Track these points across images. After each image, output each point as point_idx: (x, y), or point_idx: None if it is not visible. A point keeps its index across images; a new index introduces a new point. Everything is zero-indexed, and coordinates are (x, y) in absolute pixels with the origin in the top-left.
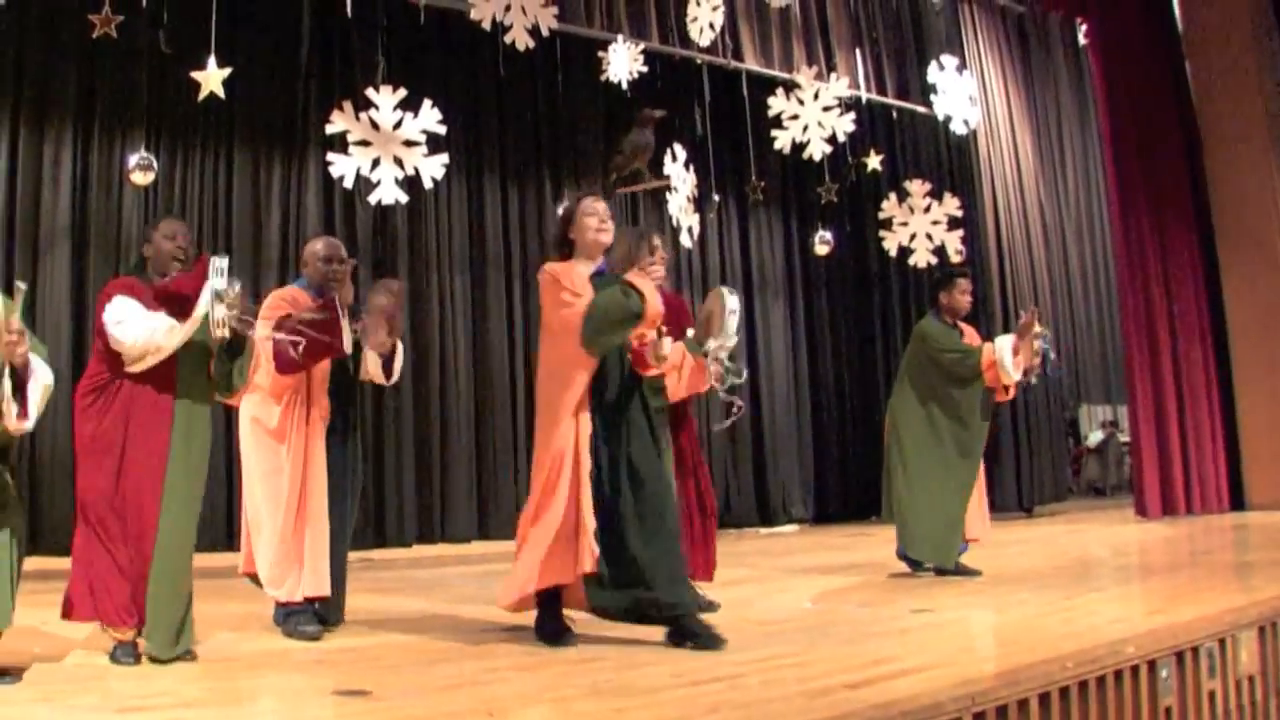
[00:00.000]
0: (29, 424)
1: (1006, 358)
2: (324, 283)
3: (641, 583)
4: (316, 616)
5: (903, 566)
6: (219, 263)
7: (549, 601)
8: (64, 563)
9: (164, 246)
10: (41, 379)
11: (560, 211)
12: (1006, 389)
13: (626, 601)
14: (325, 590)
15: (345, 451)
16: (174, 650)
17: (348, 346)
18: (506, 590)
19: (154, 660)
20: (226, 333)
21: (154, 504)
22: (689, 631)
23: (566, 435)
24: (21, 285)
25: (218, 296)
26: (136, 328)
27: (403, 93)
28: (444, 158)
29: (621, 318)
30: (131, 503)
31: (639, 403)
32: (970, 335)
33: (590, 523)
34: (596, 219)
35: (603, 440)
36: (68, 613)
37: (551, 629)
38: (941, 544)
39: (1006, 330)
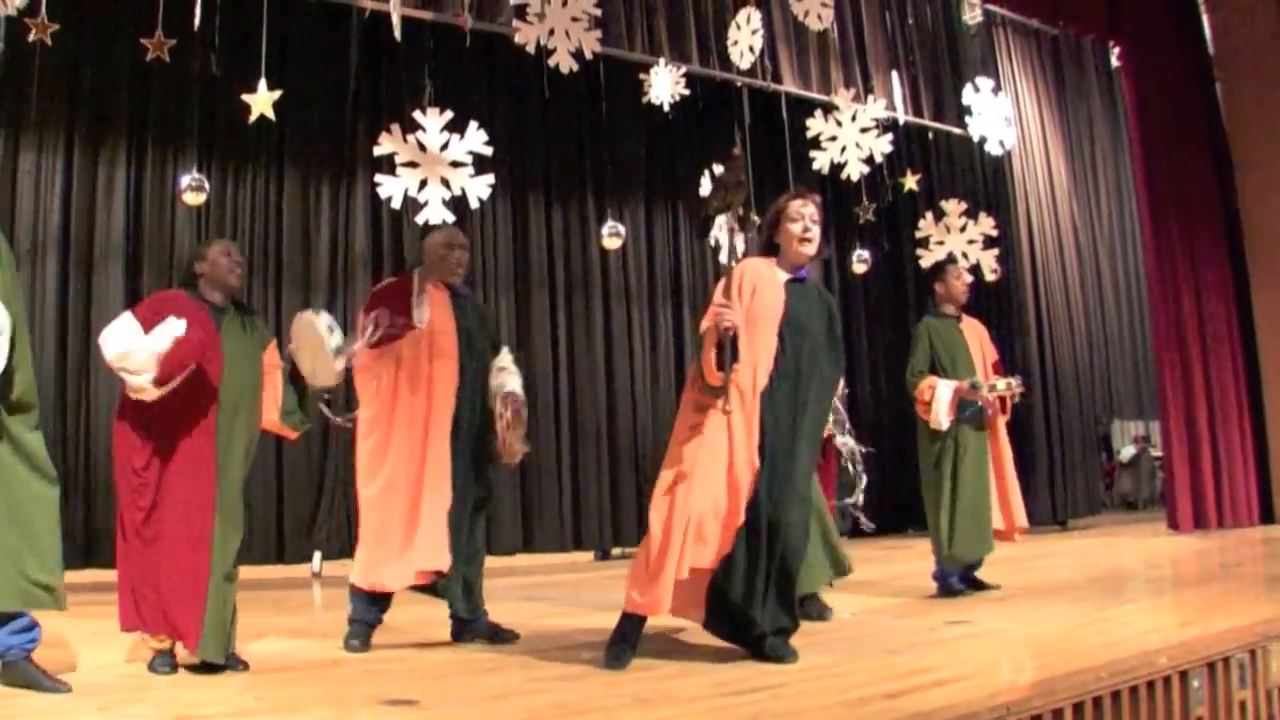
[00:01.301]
0: None
1: (943, 407)
2: (446, 270)
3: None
4: (369, 629)
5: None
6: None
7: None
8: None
9: (221, 262)
10: None
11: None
12: (1005, 408)
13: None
14: (437, 564)
15: (466, 456)
16: (225, 654)
17: (417, 321)
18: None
19: (208, 666)
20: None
21: (206, 515)
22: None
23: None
24: None
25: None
26: (116, 344)
27: (449, 115)
28: (490, 178)
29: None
30: (178, 515)
31: None
32: (973, 328)
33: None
34: (802, 225)
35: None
36: (121, 624)
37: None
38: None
39: (1041, 346)
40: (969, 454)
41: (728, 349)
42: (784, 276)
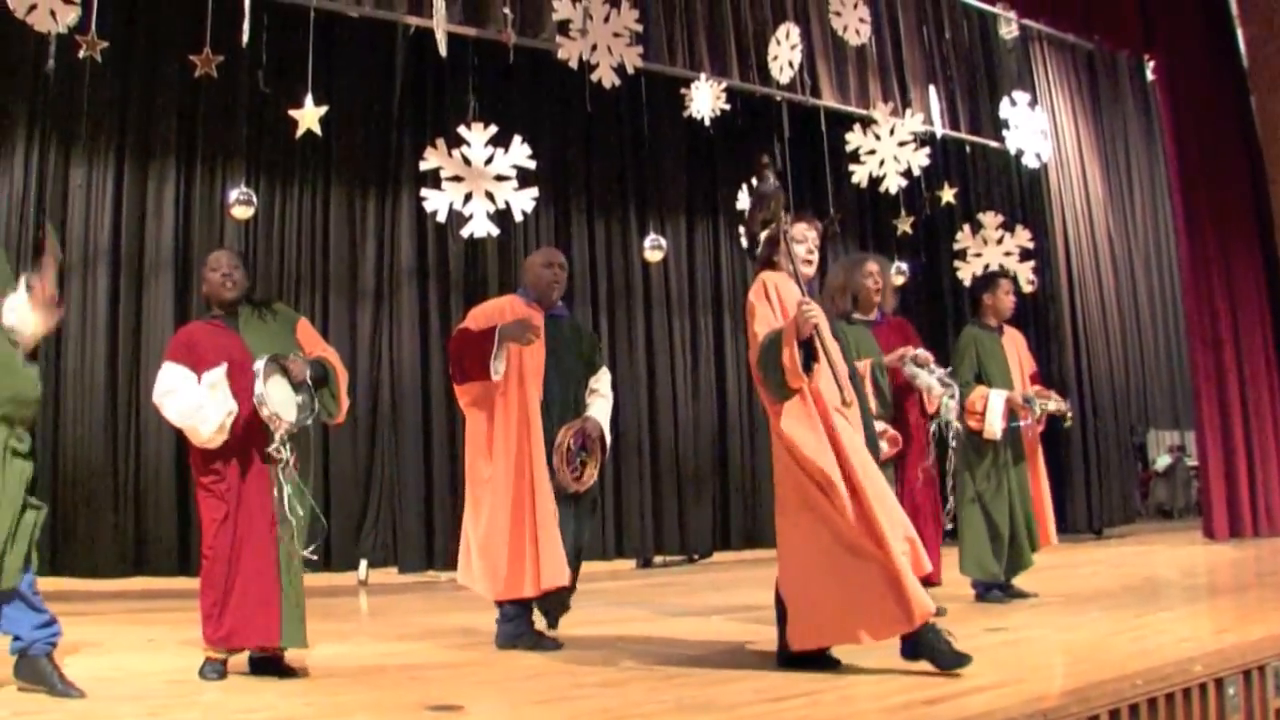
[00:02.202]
0: None
1: (996, 416)
2: (544, 288)
3: None
4: (535, 633)
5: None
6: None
7: None
8: (169, 583)
9: (212, 279)
10: None
11: (761, 230)
12: (1038, 420)
13: None
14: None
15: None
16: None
17: (494, 373)
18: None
19: (257, 669)
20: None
21: (267, 516)
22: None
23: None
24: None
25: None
26: (180, 403)
27: (493, 129)
28: (533, 191)
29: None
30: (249, 522)
31: None
32: (1012, 339)
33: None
34: (805, 247)
35: None
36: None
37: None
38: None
39: (1078, 357)
40: (1010, 469)
41: (817, 348)
42: (798, 292)
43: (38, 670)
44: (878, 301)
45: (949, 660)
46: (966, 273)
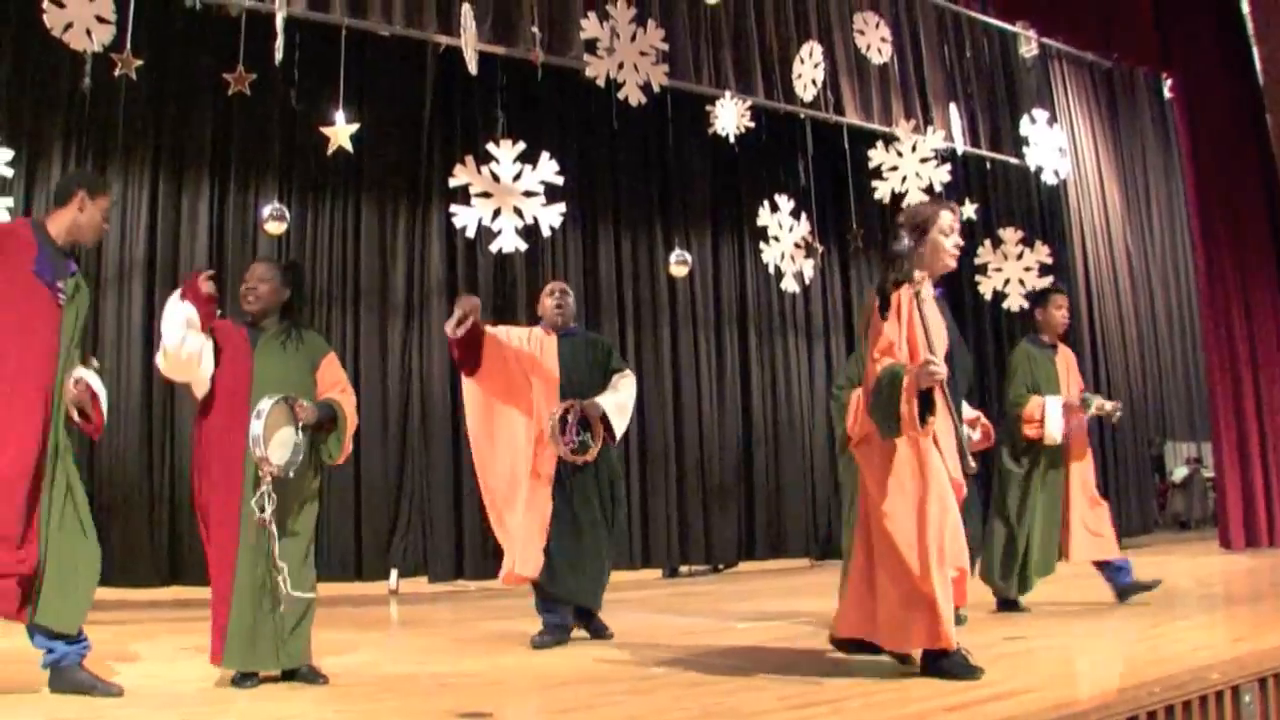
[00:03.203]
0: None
1: (1056, 423)
2: (549, 316)
3: None
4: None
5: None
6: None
7: None
8: (203, 593)
9: (242, 290)
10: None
11: (906, 219)
12: (1101, 415)
13: None
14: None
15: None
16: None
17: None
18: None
19: (289, 680)
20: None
21: (232, 530)
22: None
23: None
24: None
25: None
26: (170, 316)
27: (521, 146)
28: (561, 207)
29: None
30: (216, 531)
31: None
32: (1064, 357)
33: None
34: (953, 240)
35: None
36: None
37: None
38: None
39: (1096, 369)
40: (1046, 484)
41: (937, 400)
42: (933, 291)
43: (73, 680)
44: None
45: (962, 672)
46: (987, 287)
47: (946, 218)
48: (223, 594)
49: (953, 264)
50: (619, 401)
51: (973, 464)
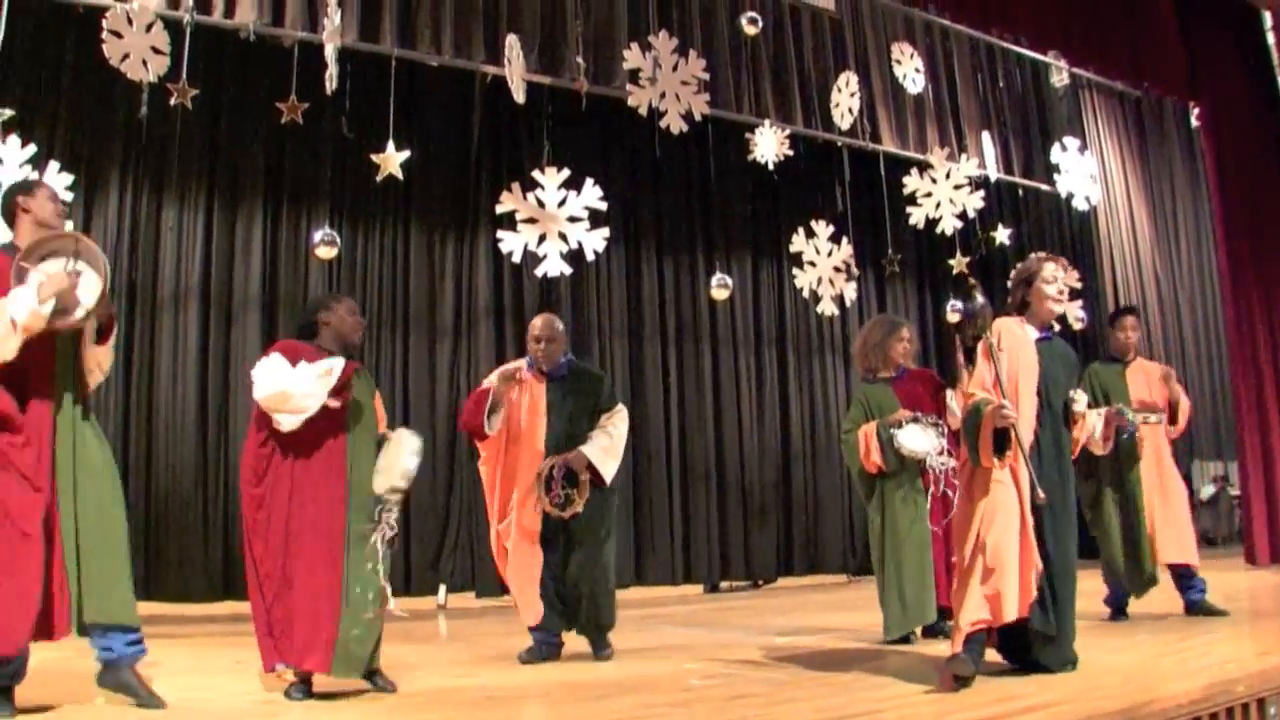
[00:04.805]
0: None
1: (1095, 435)
2: (536, 357)
3: None
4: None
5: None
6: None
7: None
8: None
9: (349, 320)
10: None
11: (1017, 272)
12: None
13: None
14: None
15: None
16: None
17: (488, 429)
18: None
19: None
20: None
21: (339, 546)
22: None
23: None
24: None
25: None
26: (271, 379)
27: (566, 173)
28: (605, 232)
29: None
30: (312, 549)
31: None
32: (1140, 370)
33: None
34: (1056, 288)
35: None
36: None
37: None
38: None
39: None
40: (1120, 491)
41: (1013, 440)
42: (1034, 334)
43: (122, 680)
44: (902, 363)
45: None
46: None
47: (1049, 269)
48: (328, 609)
49: (1058, 309)
50: (605, 445)
51: (1041, 494)
